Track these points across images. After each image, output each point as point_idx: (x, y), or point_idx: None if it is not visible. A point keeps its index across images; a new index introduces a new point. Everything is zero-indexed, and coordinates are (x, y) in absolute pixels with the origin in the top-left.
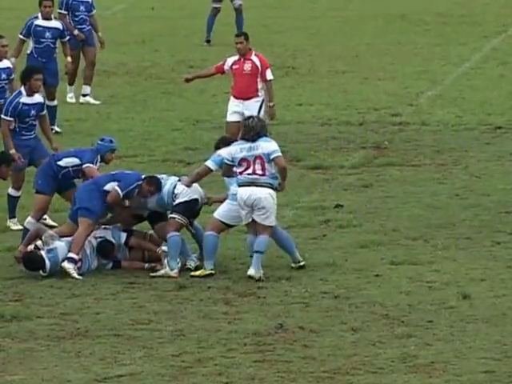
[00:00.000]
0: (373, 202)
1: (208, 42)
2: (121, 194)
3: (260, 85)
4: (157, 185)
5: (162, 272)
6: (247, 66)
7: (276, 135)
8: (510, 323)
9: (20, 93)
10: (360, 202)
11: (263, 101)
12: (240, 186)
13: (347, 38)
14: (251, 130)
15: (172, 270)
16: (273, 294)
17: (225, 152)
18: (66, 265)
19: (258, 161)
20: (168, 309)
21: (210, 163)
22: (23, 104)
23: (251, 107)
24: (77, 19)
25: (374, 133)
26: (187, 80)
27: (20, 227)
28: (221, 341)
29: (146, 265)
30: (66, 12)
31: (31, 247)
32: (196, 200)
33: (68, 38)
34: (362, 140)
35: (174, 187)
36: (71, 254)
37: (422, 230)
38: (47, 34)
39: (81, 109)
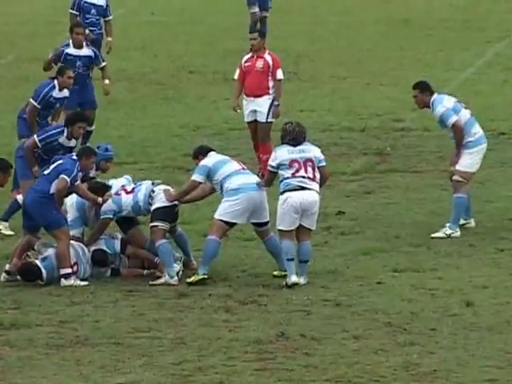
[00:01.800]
0: (375, 209)
1: None
2: (68, 181)
3: (271, 83)
4: (92, 150)
5: (161, 280)
6: (259, 64)
7: (278, 141)
8: None
9: (62, 132)
10: (362, 209)
11: (274, 100)
12: (290, 190)
13: (349, 43)
14: (289, 134)
15: (171, 277)
16: (274, 302)
17: (270, 158)
18: (66, 282)
19: (309, 163)
20: (168, 317)
21: (196, 177)
22: (59, 143)
23: (262, 104)
24: (87, 21)
25: (377, 139)
26: (237, 106)
27: (10, 233)
28: (221, 349)
29: (145, 271)
30: (77, 13)
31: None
32: (175, 205)
33: (104, 63)
34: (364, 146)
35: (151, 191)
36: (63, 271)
37: (424, 237)
38: (78, 63)
39: None
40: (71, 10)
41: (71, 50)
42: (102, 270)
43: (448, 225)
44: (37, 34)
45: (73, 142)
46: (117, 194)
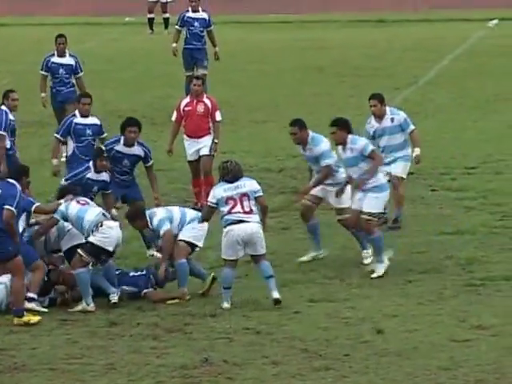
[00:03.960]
0: (292, 244)
1: None
2: (14, 210)
3: (211, 124)
4: (23, 169)
5: (79, 308)
6: (200, 108)
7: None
8: (420, 356)
9: (119, 141)
10: (280, 244)
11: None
12: (231, 224)
13: (267, 89)
14: (229, 173)
15: (88, 304)
16: (198, 330)
17: (210, 195)
18: (28, 305)
19: (244, 198)
20: (100, 344)
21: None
22: (116, 151)
23: (205, 142)
24: (57, 81)
25: (293, 179)
26: (171, 151)
27: None
28: (150, 374)
29: (66, 296)
30: (46, 73)
31: None
32: (108, 251)
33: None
34: (282, 185)
35: (99, 223)
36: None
37: (337, 270)
38: (88, 132)
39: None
40: (40, 71)
41: (79, 120)
42: (41, 299)
43: (381, 263)
44: None
45: (134, 150)
46: (66, 201)
